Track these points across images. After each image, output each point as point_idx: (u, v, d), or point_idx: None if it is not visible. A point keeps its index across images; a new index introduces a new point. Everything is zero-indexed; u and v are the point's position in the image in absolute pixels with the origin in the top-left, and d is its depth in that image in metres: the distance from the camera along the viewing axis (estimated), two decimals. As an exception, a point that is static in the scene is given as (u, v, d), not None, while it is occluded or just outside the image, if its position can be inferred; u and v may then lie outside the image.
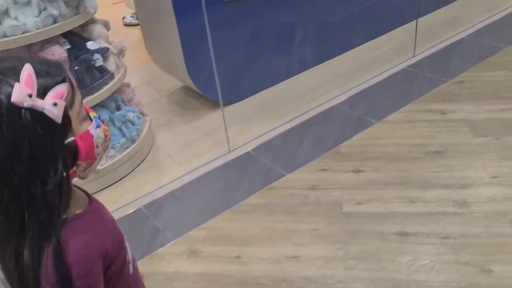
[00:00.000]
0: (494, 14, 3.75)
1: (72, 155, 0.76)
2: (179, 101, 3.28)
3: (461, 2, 4.12)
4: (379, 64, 3.32)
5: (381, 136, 2.58)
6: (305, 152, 2.55)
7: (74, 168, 0.79)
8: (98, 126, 0.80)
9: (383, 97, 2.95)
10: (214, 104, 3.07)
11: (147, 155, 2.72)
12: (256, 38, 3.06)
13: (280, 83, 3.27)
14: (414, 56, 3.35)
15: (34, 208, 0.69)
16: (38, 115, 0.68)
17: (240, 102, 3.12)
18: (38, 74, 0.69)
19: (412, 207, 2.07)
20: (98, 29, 2.41)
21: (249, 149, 2.64)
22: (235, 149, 2.66)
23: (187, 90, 3.34)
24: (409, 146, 2.46)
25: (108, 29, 2.51)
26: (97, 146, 0.80)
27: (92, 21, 2.45)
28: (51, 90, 0.69)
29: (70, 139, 0.74)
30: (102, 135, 0.81)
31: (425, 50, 3.40)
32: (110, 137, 0.87)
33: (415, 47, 3.35)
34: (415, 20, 3.36)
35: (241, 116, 2.98)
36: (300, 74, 3.34)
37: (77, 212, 0.79)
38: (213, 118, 2.96)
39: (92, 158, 0.80)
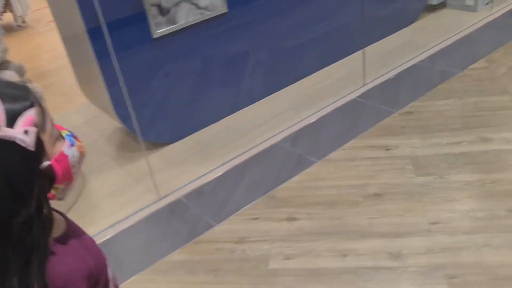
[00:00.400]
0: (448, 38, 3.63)
1: (49, 178, 0.73)
2: (118, 143, 3.09)
3: (415, 26, 4.01)
4: (328, 95, 3.17)
5: (320, 177, 2.41)
6: (238, 198, 2.36)
7: (52, 191, 0.76)
8: (72, 145, 0.78)
9: (328, 132, 2.79)
10: (154, 145, 2.90)
11: (73, 205, 2.52)
12: (192, 74, 2.89)
13: (224, 119, 3.09)
14: (364, 85, 3.20)
15: (16, 239, 0.66)
16: (9, 145, 0.64)
17: (178, 142, 2.94)
18: (5, 99, 0.65)
19: (343, 261, 1.88)
20: (7, 75, 2.24)
21: (180, 196, 2.45)
22: (166, 195, 2.47)
23: (127, 130, 3.16)
24: (348, 188, 2.29)
25: (22, 75, 2.34)
26: (73, 166, 0.78)
27: (3, 67, 2.28)
28: (20, 117, 0.66)
29: (46, 163, 0.71)
30: (77, 153, 0.79)
31: (376, 79, 3.26)
32: (85, 153, 0.84)
33: (364, 76, 3.21)
34: (363, 49, 3.23)
35: (178, 158, 2.80)
36: (244, 109, 3.17)
37: (56, 236, 0.76)
38: (150, 161, 2.77)
39: (70, 179, 0.78)
